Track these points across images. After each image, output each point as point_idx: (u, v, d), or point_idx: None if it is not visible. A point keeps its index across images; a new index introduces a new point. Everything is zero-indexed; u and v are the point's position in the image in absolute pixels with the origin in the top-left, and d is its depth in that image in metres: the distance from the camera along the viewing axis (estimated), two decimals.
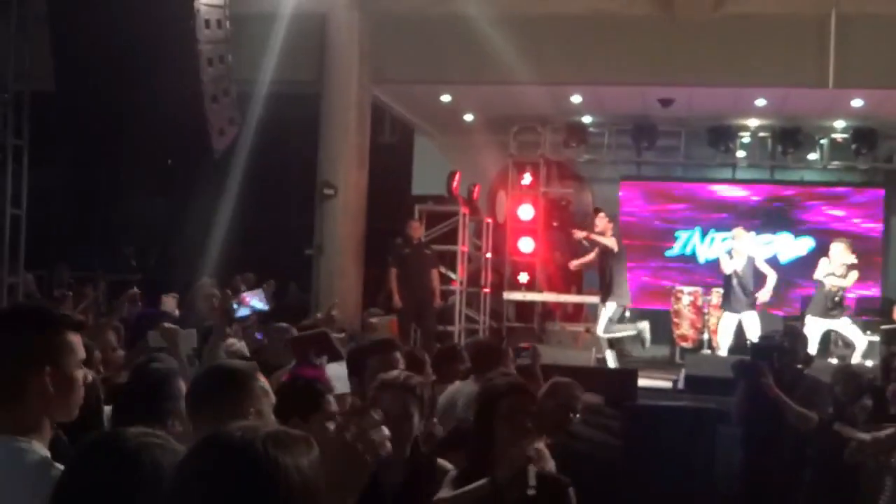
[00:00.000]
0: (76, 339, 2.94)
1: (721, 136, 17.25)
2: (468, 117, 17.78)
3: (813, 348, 11.86)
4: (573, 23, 14.18)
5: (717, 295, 14.71)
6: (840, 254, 12.79)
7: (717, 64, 14.19)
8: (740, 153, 17.78)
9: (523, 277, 17.53)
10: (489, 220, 17.64)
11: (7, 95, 12.21)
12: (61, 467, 2.50)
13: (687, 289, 15.87)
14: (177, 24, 10.45)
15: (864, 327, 13.66)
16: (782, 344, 8.58)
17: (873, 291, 16.87)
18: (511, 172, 17.93)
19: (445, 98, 16.48)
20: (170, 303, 10.81)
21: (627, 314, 14.32)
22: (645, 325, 13.61)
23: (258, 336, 10.17)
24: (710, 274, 16.12)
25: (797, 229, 18.06)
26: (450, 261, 16.06)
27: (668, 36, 14.11)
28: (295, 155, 17.64)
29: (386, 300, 14.52)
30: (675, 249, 18.58)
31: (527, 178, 17.83)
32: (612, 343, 13.80)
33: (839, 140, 17.14)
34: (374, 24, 14.94)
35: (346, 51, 14.88)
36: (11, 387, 2.70)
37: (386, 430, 2.41)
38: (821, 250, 14.81)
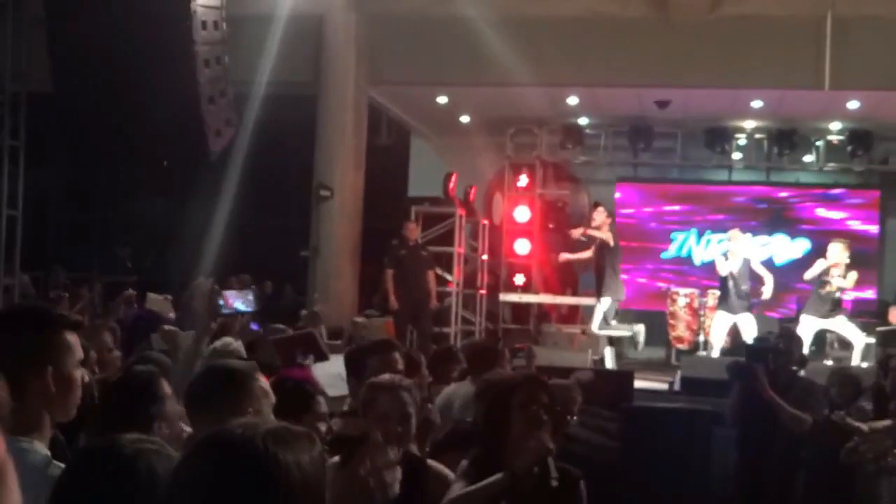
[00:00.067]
0: (74, 339, 2.95)
1: (717, 137, 17.29)
2: (464, 119, 17.79)
3: (806, 348, 11.85)
4: (569, 25, 14.19)
5: (713, 297, 14.69)
6: (839, 254, 12.77)
7: (713, 66, 14.20)
8: (736, 155, 17.82)
9: (519, 279, 17.54)
10: (485, 222, 17.65)
11: (3, 96, 12.23)
12: (62, 465, 2.51)
13: (683, 290, 15.87)
14: (173, 26, 10.46)
15: (860, 329, 13.65)
16: (777, 346, 8.57)
17: (869, 294, 16.87)
18: (507, 174, 17.95)
19: (442, 99, 16.49)
20: (158, 302, 10.79)
21: (615, 319, 14.19)
22: (640, 328, 13.59)
23: (254, 327, 10.17)
24: (706, 276, 16.13)
25: (793, 231, 18.07)
26: (446, 262, 16.07)
27: (665, 38, 14.13)
28: (292, 156, 17.68)
29: (382, 301, 14.52)
30: (671, 251, 18.58)
31: (523, 180, 17.85)
32: (612, 341, 13.78)
33: (835, 142, 17.19)
34: (370, 25, 14.95)
35: (342, 52, 14.88)
36: (13, 387, 2.70)
37: (399, 472, 2.41)
38: (817, 252, 14.81)
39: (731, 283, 12.98)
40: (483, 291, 17.37)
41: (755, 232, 17.32)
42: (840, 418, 7.01)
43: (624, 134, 17.53)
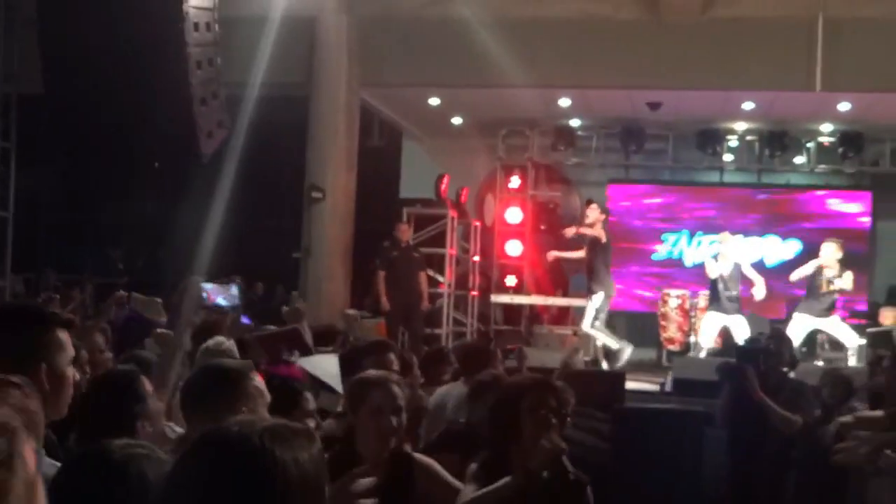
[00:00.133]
0: (66, 337, 2.97)
1: (709, 139, 17.32)
2: (456, 121, 17.80)
3: (797, 344, 11.86)
4: (561, 26, 14.20)
5: (704, 298, 14.70)
6: (832, 253, 12.77)
7: (704, 67, 14.23)
8: (728, 156, 17.85)
9: (511, 280, 17.55)
10: (477, 224, 17.66)
11: None
12: (57, 464, 2.51)
13: (674, 292, 15.90)
14: (166, 27, 10.45)
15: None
16: (768, 347, 8.60)
17: (860, 295, 16.90)
18: (499, 176, 17.97)
19: (434, 101, 16.49)
20: (143, 302, 10.74)
21: (608, 328, 14.05)
22: (628, 351, 13.38)
23: (245, 320, 10.15)
24: (698, 277, 16.13)
25: (784, 232, 18.11)
26: (438, 264, 16.08)
27: (656, 39, 14.15)
28: (284, 158, 17.65)
29: (374, 303, 14.52)
30: (663, 252, 18.61)
31: (515, 182, 17.86)
32: (608, 356, 13.61)
33: (826, 143, 17.23)
34: (362, 27, 14.94)
35: (334, 54, 14.88)
36: None
37: None
38: (808, 253, 14.85)
39: (721, 286, 12.98)
40: (475, 293, 17.38)
41: (746, 233, 17.36)
42: (846, 430, 7.00)
43: (616, 135, 17.55)
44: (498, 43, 13.58)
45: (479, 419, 5.29)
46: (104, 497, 2.21)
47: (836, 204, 18.26)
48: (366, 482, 3.54)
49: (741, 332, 12.64)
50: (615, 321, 15.52)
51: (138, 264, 19.77)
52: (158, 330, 6.25)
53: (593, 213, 13.46)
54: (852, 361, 12.68)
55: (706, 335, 13.33)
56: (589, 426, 8.30)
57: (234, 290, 6.12)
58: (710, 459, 9.10)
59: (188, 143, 10.78)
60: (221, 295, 5.78)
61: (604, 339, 13.37)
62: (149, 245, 19.88)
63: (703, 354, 13.24)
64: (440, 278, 16.16)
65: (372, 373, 4.37)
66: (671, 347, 15.53)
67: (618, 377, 11.59)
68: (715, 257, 13.32)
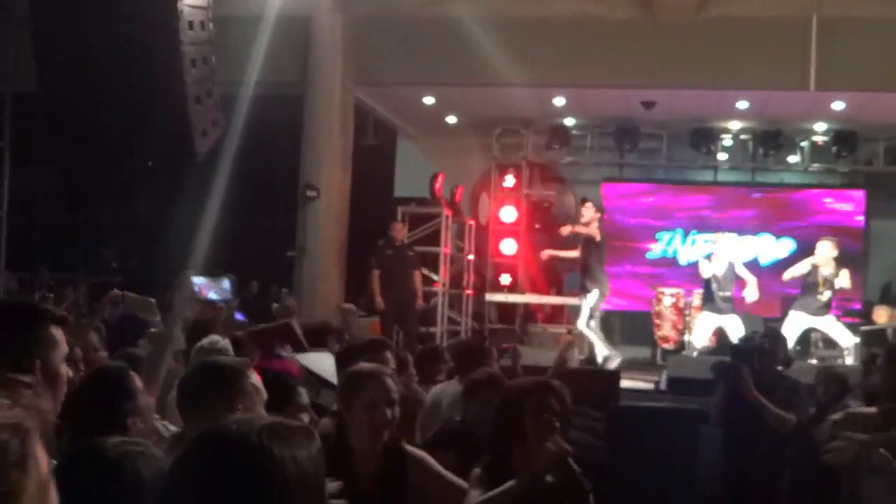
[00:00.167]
0: (60, 334, 2.97)
1: (703, 138, 17.33)
2: (451, 119, 17.80)
3: (791, 343, 11.86)
4: (556, 26, 14.19)
5: (698, 296, 14.70)
6: (828, 251, 12.76)
7: (699, 66, 14.23)
8: (722, 155, 17.86)
9: (505, 279, 17.57)
10: (472, 222, 17.67)
11: None
12: (52, 461, 2.51)
13: (668, 290, 15.90)
14: (160, 26, 10.44)
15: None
16: (762, 345, 8.60)
17: (853, 293, 16.92)
18: (493, 174, 17.98)
19: (428, 100, 16.49)
20: (136, 302, 10.73)
21: (603, 332, 13.99)
22: (618, 360, 13.31)
23: (239, 317, 10.15)
24: (692, 275, 16.13)
25: (778, 231, 18.14)
26: (432, 262, 16.08)
27: (651, 39, 14.15)
28: (279, 157, 17.65)
29: (368, 302, 14.52)
30: (657, 251, 18.63)
31: (509, 181, 17.88)
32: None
33: (820, 142, 17.25)
34: (357, 26, 14.93)
35: (329, 53, 14.86)
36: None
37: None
38: (802, 252, 14.85)
39: (714, 286, 12.98)
40: (469, 291, 17.39)
41: (740, 232, 17.39)
42: (836, 429, 6.99)
43: (610, 135, 17.56)
44: (492, 42, 13.59)
45: (474, 417, 5.30)
46: (98, 495, 2.21)
47: (830, 203, 18.28)
48: (332, 486, 3.54)
49: (736, 331, 12.63)
50: (611, 320, 15.53)
51: (132, 263, 19.77)
52: (152, 329, 6.25)
53: (588, 212, 13.47)
54: (849, 361, 12.68)
55: (699, 336, 13.33)
56: (584, 425, 8.32)
57: (226, 283, 6.07)
58: (704, 458, 9.12)
59: (183, 141, 10.77)
60: (213, 289, 5.76)
61: (596, 342, 13.36)
62: (143, 244, 19.88)
63: (696, 354, 13.25)
64: (434, 277, 16.16)
65: (366, 365, 4.38)
66: (666, 346, 15.53)
67: (612, 376, 11.62)
68: (708, 257, 13.33)
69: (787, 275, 13.01)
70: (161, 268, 14.93)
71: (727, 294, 12.96)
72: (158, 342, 5.70)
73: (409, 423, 5.42)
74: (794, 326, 12.65)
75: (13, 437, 1.59)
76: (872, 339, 13.84)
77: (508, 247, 17.63)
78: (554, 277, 17.77)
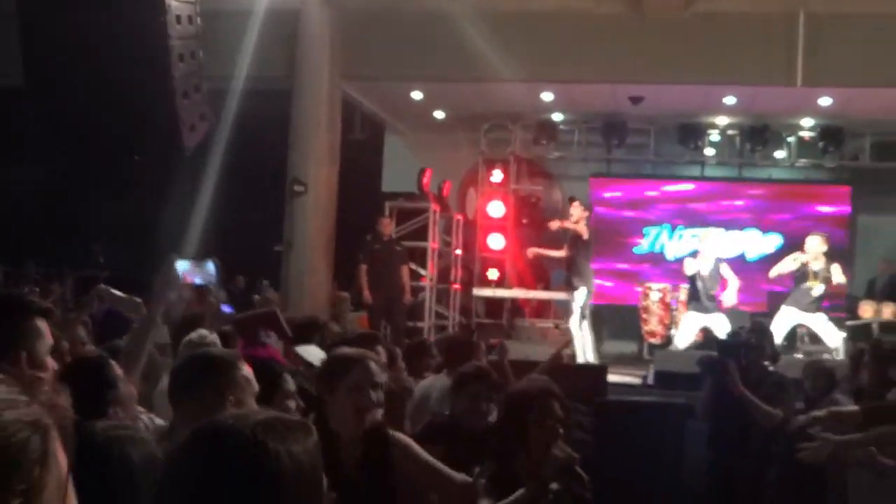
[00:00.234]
0: (45, 326, 2.97)
1: (690, 133, 17.37)
2: (439, 114, 17.80)
3: (779, 339, 11.89)
4: (544, 20, 14.21)
5: (685, 291, 14.72)
6: (817, 246, 12.76)
7: (686, 62, 14.27)
8: (709, 151, 17.89)
9: (493, 274, 17.59)
10: (459, 217, 17.69)
11: None
12: None
13: (655, 285, 15.92)
14: (148, 20, 10.40)
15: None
16: (749, 341, 8.61)
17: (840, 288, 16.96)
18: (481, 169, 17.99)
19: (416, 95, 16.49)
20: (122, 301, 10.70)
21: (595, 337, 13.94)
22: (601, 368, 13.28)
23: (226, 309, 10.13)
24: (679, 271, 16.17)
25: (765, 226, 18.18)
26: (420, 257, 16.10)
27: (639, 34, 14.18)
28: (267, 151, 17.60)
29: (356, 296, 14.53)
30: (644, 246, 18.65)
31: (497, 176, 17.90)
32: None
33: (806, 138, 17.31)
34: (345, 20, 14.93)
35: (316, 47, 14.85)
36: None
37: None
38: (788, 247, 14.89)
39: (700, 285, 12.99)
40: (457, 286, 17.41)
41: (727, 227, 17.45)
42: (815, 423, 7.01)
43: (597, 130, 17.59)
44: (481, 37, 13.60)
45: (462, 411, 5.31)
46: (87, 479, 2.20)
47: (817, 198, 18.33)
48: None
49: (722, 330, 12.62)
50: (601, 312, 15.51)
51: (119, 257, 19.70)
52: (135, 325, 6.22)
53: (577, 210, 13.50)
54: (838, 359, 12.68)
55: (684, 335, 13.32)
56: (574, 420, 8.33)
57: (211, 267, 6.03)
58: (691, 452, 9.14)
59: (170, 136, 10.74)
60: (197, 273, 5.72)
61: (585, 345, 13.32)
62: (130, 238, 19.80)
63: (679, 350, 13.25)
64: (422, 272, 16.18)
65: (350, 349, 4.38)
66: (653, 340, 15.55)
67: (600, 370, 11.65)
68: (693, 254, 13.34)
69: (774, 271, 13.02)
70: (149, 262, 14.90)
71: (712, 290, 12.98)
72: (140, 326, 5.66)
73: (398, 415, 5.42)
74: (784, 322, 12.67)
75: (33, 434, 1.58)
76: (858, 334, 13.88)
77: (496, 242, 17.66)
78: (541, 272, 17.78)
